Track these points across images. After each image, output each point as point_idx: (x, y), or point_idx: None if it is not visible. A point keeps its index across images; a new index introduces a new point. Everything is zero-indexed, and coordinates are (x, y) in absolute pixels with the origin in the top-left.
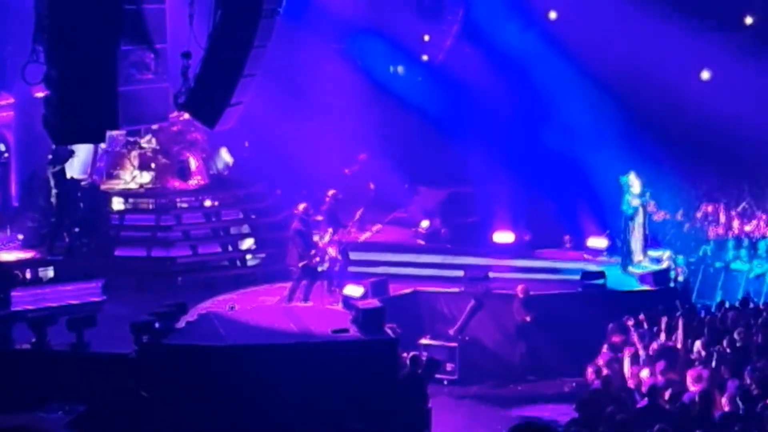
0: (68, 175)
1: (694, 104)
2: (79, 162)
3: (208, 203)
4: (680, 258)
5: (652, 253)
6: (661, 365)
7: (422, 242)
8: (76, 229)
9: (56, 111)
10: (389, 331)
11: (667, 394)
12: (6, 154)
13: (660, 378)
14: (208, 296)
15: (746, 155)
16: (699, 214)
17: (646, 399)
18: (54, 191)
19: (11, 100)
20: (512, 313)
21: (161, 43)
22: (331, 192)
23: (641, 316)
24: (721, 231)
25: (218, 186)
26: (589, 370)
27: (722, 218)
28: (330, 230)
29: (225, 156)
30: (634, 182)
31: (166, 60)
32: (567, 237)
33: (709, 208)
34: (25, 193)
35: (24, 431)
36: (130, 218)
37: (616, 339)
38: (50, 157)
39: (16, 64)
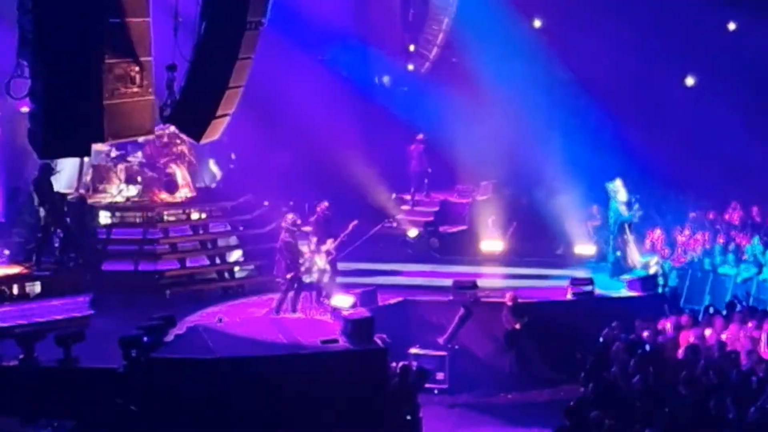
0: (54, 190)
1: (680, 110)
2: (65, 176)
3: (195, 216)
4: (667, 263)
5: (640, 259)
6: None
7: (411, 252)
8: (63, 244)
9: (41, 125)
10: (379, 341)
11: None
12: None
13: None
14: (196, 309)
15: (732, 161)
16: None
17: None
18: (38, 207)
19: None
20: (501, 321)
21: (146, 56)
22: (322, 204)
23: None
24: (707, 236)
25: (205, 198)
26: None
27: (710, 223)
28: (314, 239)
29: (213, 168)
30: (620, 189)
31: (151, 73)
32: (557, 244)
33: (695, 214)
34: (11, 208)
35: None
36: (117, 232)
37: None
38: (35, 173)
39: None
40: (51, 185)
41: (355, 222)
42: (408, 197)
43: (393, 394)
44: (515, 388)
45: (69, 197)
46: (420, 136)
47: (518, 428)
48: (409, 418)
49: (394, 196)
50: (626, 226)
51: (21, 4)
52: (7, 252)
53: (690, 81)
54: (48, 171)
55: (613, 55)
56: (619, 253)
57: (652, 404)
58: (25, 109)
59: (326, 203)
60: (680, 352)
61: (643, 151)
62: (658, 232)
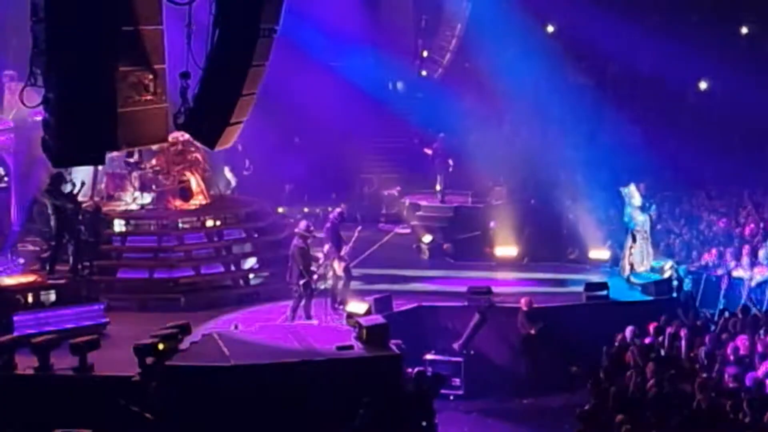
0: (65, 199)
1: (693, 111)
2: (79, 184)
3: (209, 223)
4: (682, 268)
5: (654, 263)
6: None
7: (425, 257)
8: (78, 252)
9: (55, 134)
10: (394, 347)
11: None
12: (6, 179)
13: None
14: (211, 316)
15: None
16: (702, 223)
17: None
18: (52, 215)
19: (10, 124)
20: (516, 327)
21: (159, 64)
22: (335, 210)
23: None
24: (722, 239)
25: (220, 205)
26: None
27: (724, 226)
28: (327, 246)
29: (227, 175)
30: (634, 194)
31: (164, 81)
32: (570, 249)
33: (711, 217)
34: (26, 217)
35: None
36: (132, 240)
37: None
38: (47, 181)
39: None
40: (63, 194)
41: (360, 228)
42: (437, 188)
43: (408, 400)
44: (530, 394)
45: (83, 205)
46: (441, 135)
47: None
48: (424, 424)
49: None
50: (635, 232)
51: (34, 13)
52: (21, 261)
53: (703, 85)
54: (60, 179)
55: (627, 59)
56: (631, 257)
57: (667, 409)
58: (38, 118)
59: (339, 209)
60: (695, 357)
61: (658, 154)
62: (672, 236)
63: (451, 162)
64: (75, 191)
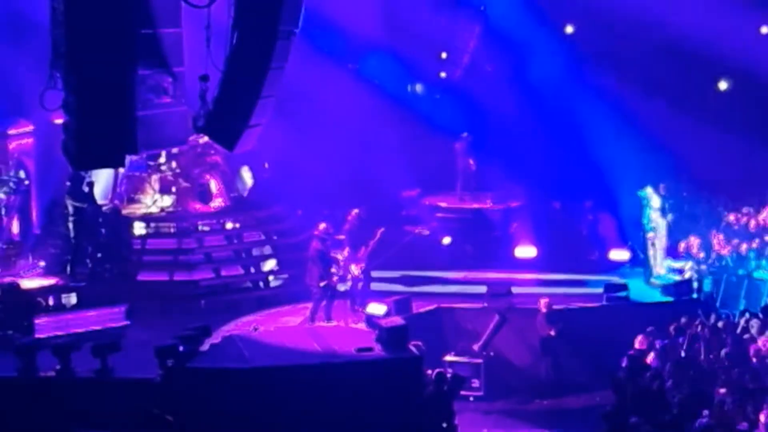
0: (84, 200)
1: (714, 111)
2: (99, 187)
3: (229, 225)
4: (702, 268)
5: (674, 264)
6: None
7: (444, 259)
8: (98, 255)
9: (75, 137)
10: (413, 349)
11: None
12: (26, 182)
13: None
14: (231, 318)
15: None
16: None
17: None
18: (71, 218)
19: (31, 128)
20: (536, 328)
21: (179, 67)
22: (354, 212)
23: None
24: (743, 239)
25: (239, 208)
26: None
27: (745, 226)
28: (347, 247)
29: (246, 177)
30: (652, 196)
31: (184, 83)
32: (591, 250)
33: (731, 217)
34: (47, 220)
35: None
36: (152, 242)
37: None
38: (68, 183)
39: (34, 91)
40: (85, 196)
41: (382, 229)
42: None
43: (428, 402)
44: (550, 395)
45: (103, 208)
46: (464, 134)
47: None
48: (444, 425)
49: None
50: (657, 231)
51: (54, 17)
52: (42, 263)
53: (723, 85)
54: (79, 180)
55: (647, 59)
56: (650, 258)
57: (688, 410)
58: (58, 121)
59: (357, 210)
60: (715, 359)
61: (677, 155)
62: (692, 236)
63: (472, 162)
64: (90, 192)
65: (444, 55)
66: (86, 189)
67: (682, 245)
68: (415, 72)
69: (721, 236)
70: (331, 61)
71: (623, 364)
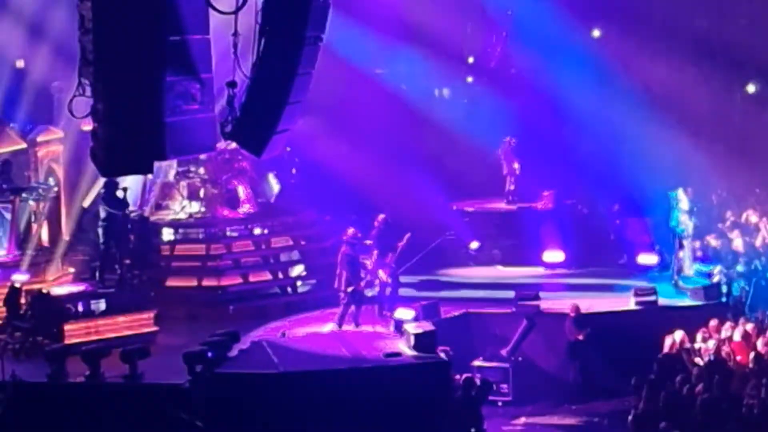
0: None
1: (739, 114)
2: (128, 194)
3: (257, 231)
4: (731, 271)
5: (703, 267)
6: None
7: (472, 264)
8: (127, 261)
9: (103, 143)
10: (442, 354)
11: None
12: (56, 189)
13: None
14: (259, 324)
15: None
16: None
17: None
18: (102, 224)
19: (60, 135)
20: (564, 332)
21: (206, 73)
22: (380, 217)
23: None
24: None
25: (267, 213)
26: None
27: None
28: (375, 252)
29: (273, 183)
30: (682, 198)
31: (211, 90)
32: (619, 254)
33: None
34: (76, 226)
35: None
36: (181, 248)
37: None
38: (102, 190)
39: (63, 99)
40: (119, 202)
41: (409, 234)
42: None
43: (457, 407)
44: (579, 400)
45: (132, 215)
46: (508, 138)
47: None
48: (473, 430)
49: (455, 207)
50: (682, 236)
51: (81, 24)
52: (71, 270)
53: (751, 88)
54: (113, 186)
55: (673, 63)
56: (679, 262)
57: (717, 414)
58: (87, 128)
59: (383, 216)
60: (746, 361)
61: (704, 159)
62: (718, 240)
63: (517, 166)
64: (125, 198)
65: (471, 60)
66: (121, 195)
67: (710, 243)
68: (442, 77)
69: (746, 239)
70: (359, 67)
71: (653, 369)
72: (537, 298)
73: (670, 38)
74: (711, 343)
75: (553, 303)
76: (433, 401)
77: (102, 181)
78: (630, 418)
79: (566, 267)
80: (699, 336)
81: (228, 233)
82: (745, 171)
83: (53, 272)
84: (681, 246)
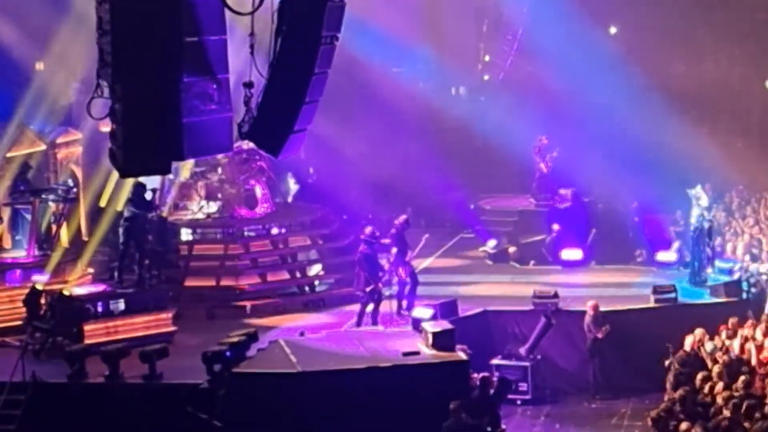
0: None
1: (758, 109)
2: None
3: (275, 231)
4: (752, 268)
5: (723, 264)
6: None
7: (490, 262)
8: (146, 262)
9: (121, 144)
10: (460, 353)
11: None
12: (75, 190)
13: None
14: (277, 323)
15: None
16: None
17: None
18: (124, 224)
19: (79, 136)
20: (583, 330)
21: (223, 74)
22: (402, 217)
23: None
24: None
25: (284, 213)
26: None
27: None
28: (394, 250)
29: (290, 183)
30: (701, 195)
31: (228, 90)
32: (638, 251)
33: None
34: (95, 227)
35: None
36: (199, 248)
37: None
38: (130, 195)
39: (82, 101)
40: (147, 203)
41: (427, 236)
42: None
43: (475, 406)
44: (599, 398)
45: (150, 215)
46: (542, 138)
47: None
48: (490, 429)
49: (473, 206)
50: (702, 233)
51: (99, 25)
52: (91, 270)
53: None
54: (142, 188)
55: (691, 60)
56: (696, 263)
57: (738, 412)
58: (105, 129)
59: (404, 216)
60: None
61: (723, 155)
62: (738, 236)
63: (544, 165)
64: (153, 199)
65: (487, 58)
66: (149, 197)
67: (729, 246)
68: (459, 75)
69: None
70: (375, 65)
71: (673, 367)
72: (555, 296)
73: (688, 33)
74: (735, 342)
75: (572, 301)
76: (451, 400)
77: (115, 180)
78: (650, 416)
79: (585, 265)
80: (723, 333)
81: (246, 233)
82: (765, 166)
83: (73, 273)
84: (700, 243)
